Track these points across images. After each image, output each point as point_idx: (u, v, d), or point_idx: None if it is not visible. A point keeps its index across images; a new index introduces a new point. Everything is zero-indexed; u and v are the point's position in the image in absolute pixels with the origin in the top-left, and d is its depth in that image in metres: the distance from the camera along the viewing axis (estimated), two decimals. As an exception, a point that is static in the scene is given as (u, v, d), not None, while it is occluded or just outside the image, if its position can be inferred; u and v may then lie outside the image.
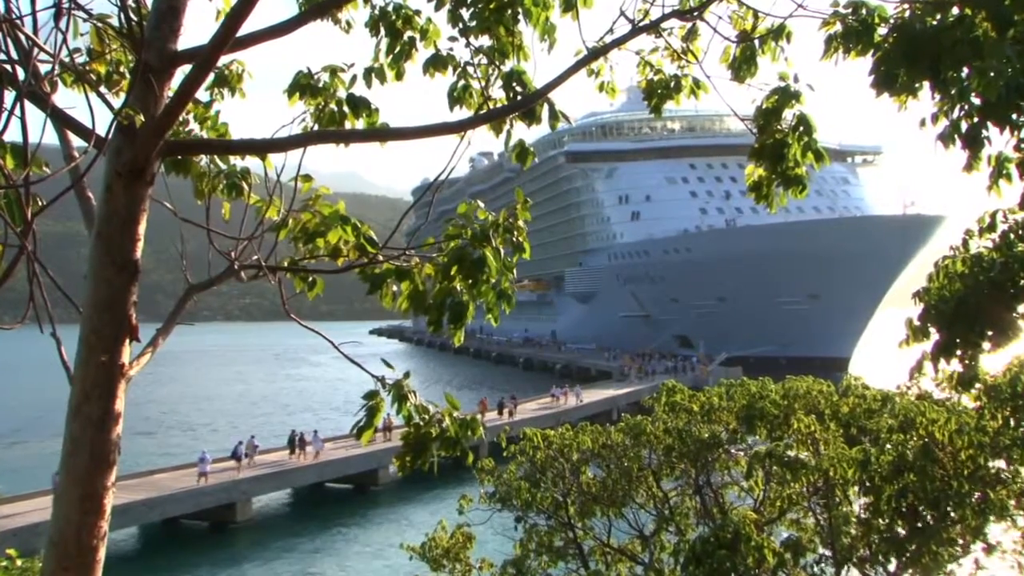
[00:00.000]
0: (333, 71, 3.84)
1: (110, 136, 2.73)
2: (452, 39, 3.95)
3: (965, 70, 3.45)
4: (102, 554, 2.69)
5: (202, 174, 3.66)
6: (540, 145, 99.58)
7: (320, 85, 3.82)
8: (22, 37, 2.80)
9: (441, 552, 11.47)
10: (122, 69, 3.49)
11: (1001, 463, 9.12)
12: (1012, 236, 5.18)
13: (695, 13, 3.89)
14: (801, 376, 13.09)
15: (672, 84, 4.25)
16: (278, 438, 39.89)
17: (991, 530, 9.29)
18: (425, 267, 3.31)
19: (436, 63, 4.00)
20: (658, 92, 4.28)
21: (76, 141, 3.10)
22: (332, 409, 61.42)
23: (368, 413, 3.06)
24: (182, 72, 2.81)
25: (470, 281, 3.20)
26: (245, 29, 2.80)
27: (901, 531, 9.23)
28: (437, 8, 3.88)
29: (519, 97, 3.92)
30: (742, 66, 3.93)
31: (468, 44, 3.95)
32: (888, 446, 9.67)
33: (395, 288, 3.33)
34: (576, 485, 11.82)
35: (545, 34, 3.82)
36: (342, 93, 3.84)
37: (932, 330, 5.32)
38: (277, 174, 3.47)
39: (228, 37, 2.71)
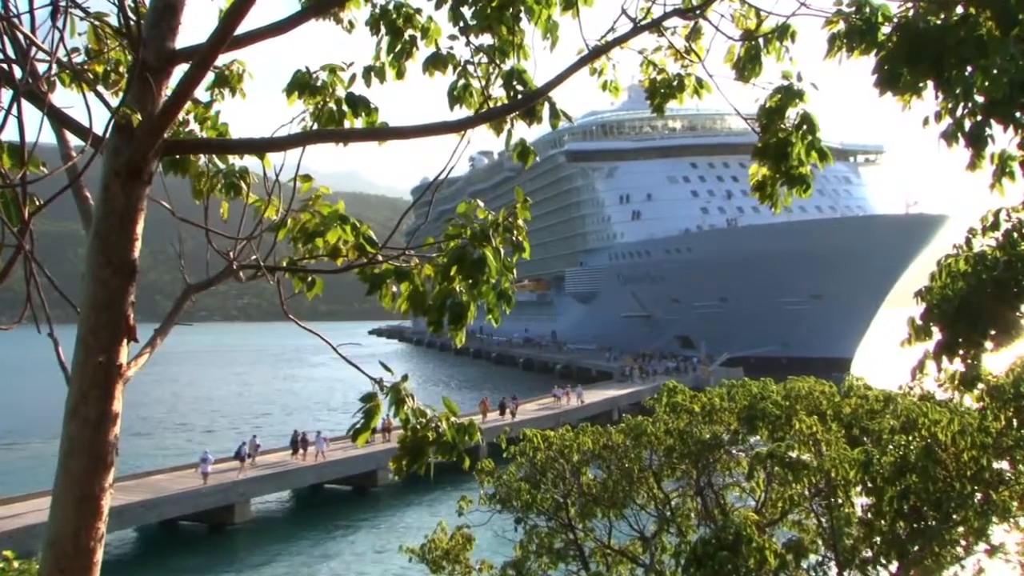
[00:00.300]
0: (332, 70, 3.81)
1: (108, 135, 2.71)
2: (453, 38, 3.93)
3: (969, 69, 3.42)
4: (99, 556, 2.67)
5: (200, 173, 3.64)
6: (540, 144, 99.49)
7: (319, 84, 3.80)
8: (19, 36, 2.78)
9: (441, 554, 11.44)
10: (120, 68, 3.47)
11: (1004, 464, 9.09)
12: (1015, 235, 5.16)
13: (697, 11, 3.88)
14: (803, 376, 13.06)
15: (675, 83, 4.24)
16: (277, 439, 39.87)
17: (994, 532, 9.26)
18: (425, 267, 3.28)
19: (436, 62, 3.98)
20: (661, 91, 4.26)
21: (74, 140, 3.08)
22: (330, 410, 61.42)
23: (365, 416, 3.03)
24: (180, 71, 2.79)
25: (470, 281, 3.17)
26: (244, 27, 2.78)
27: (903, 532, 9.21)
28: (438, 7, 3.86)
29: (519, 96, 3.90)
30: (746, 65, 3.91)
31: (468, 43, 3.93)
32: (890, 447, 9.63)
33: (395, 289, 3.30)
34: (577, 486, 11.79)
35: (547, 32, 3.80)
36: (341, 92, 3.82)
37: (934, 329, 5.30)
38: (276, 174, 3.45)
39: (226, 35, 2.69)
